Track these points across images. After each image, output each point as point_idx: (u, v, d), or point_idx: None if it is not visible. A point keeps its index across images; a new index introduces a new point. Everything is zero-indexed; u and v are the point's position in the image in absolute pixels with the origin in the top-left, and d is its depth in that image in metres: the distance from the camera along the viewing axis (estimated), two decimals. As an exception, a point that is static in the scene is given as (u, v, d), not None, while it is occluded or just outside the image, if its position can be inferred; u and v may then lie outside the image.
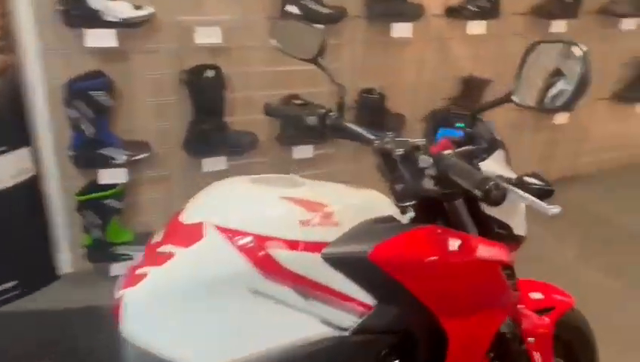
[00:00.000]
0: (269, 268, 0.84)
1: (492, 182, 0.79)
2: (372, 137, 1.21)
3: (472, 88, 2.92)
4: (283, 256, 0.85)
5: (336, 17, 2.47)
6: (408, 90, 2.85)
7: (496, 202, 0.78)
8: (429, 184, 1.07)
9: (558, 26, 2.98)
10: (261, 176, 1.03)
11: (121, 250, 2.31)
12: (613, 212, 3.25)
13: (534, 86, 0.89)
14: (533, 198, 0.88)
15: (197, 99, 2.27)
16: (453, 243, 1.00)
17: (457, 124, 1.25)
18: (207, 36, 2.23)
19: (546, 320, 1.33)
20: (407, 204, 1.12)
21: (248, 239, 0.85)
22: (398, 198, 1.12)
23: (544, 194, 1.02)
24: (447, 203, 1.09)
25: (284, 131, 2.57)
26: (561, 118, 3.34)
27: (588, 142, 3.62)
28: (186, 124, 2.34)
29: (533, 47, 0.93)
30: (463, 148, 1.04)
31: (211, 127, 2.30)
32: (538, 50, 0.93)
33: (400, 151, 1.08)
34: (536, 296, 1.38)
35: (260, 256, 0.84)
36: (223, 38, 2.25)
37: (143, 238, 2.47)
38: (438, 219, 1.16)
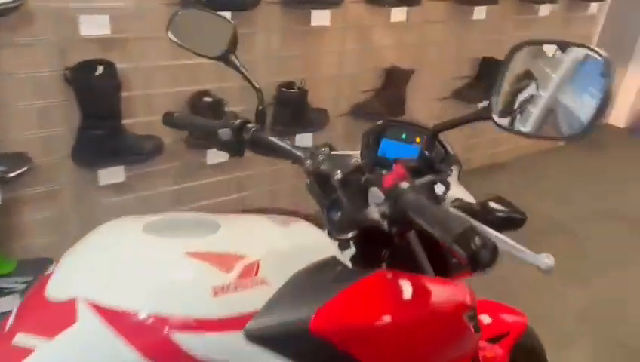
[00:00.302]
0: (171, 360, 0.60)
1: (476, 236, 0.58)
2: (302, 155, 0.99)
3: (395, 79, 2.77)
4: (190, 341, 0.61)
5: (248, 3, 2.19)
6: (329, 82, 2.64)
7: (486, 265, 0.58)
8: (374, 213, 0.87)
9: (480, 13, 2.89)
10: (158, 216, 0.77)
11: (1, 283, 1.93)
12: (536, 201, 3.26)
13: (522, 102, 0.69)
14: (525, 250, 0.69)
15: (86, 100, 1.92)
16: (407, 292, 0.81)
17: (402, 136, 1.06)
18: (95, 26, 1.89)
19: (499, 351, 1.19)
20: (347, 236, 0.92)
21: (139, 321, 0.60)
22: (336, 228, 0.91)
23: (515, 223, 0.85)
24: (397, 236, 0.89)
25: (194, 133, 2.27)
26: (482, 108, 3.28)
27: (507, 130, 3.61)
28: (74, 129, 1.98)
29: (518, 48, 0.71)
30: (426, 179, 0.83)
31: (105, 133, 1.96)
32: (525, 53, 0.71)
33: (339, 175, 0.87)
34: (487, 319, 1.24)
35: (157, 344, 0.60)
36: (113, 28, 1.91)
37: (28, 267, 2.04)
38: (385, 251, 0.96)
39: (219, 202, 2.50)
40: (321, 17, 2.38)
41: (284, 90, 2.42)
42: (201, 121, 1.17)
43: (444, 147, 0.99)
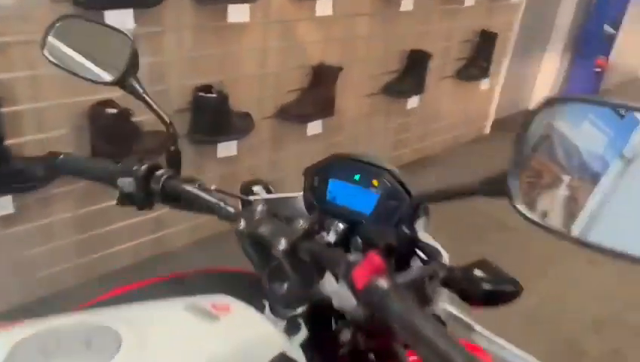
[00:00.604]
0: None
1: None
2: (231, 211, 0.78)
3: (323, 77, 2.57)
4: None
5: (152, -2, 1.90)
6: (252, 83, 2.39)
7: None
8: (331, 286, 0.69)
9: (407, 4, 2.75)
10: (30, 329, 0.53)
11: None
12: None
13: (557, 192, 0.48)
14: None
15: (-45, 121, 1.57)
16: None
17: (355, 177, 0.88)
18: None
19: None
20: (295, 312, 0.72)
21: None
22: (281, 302, 0.71)
23: (506, 296, 0.68)
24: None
25: (97, 147, 1.96)
26: (413, 102, 3.17)
27: (435, 122, 3.54)
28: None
29: (544, 106, 0.47)
30: (414, 275, 0.65)
31: (-16, 158, 1.62)
32: (557, 115, 0.47)
33: (283, 245, 0.68)
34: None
35: None
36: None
37: None
38: (344, 333, 0.78)
39: (133, 246, 2.23)
40: (239, 12, 2.13)
41: (202, 94, 2.15)
42: (96, 164, 0.91)
43: (407, 192, 0.81)
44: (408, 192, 0.81)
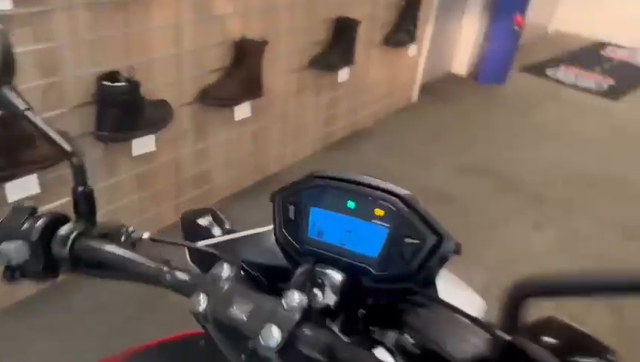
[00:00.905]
0: None
1: None
2: (182, 278, 0.59)
3: (246, 53, 2.28)
4: None
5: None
6: (166, 65, 2.06)
7: None
8: None
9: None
10: None
11: None
12: (404, 167, 3.08)
13: None
14: None
15: None
16: None
17: (349, 204, 0.65)
18: None
19: None
20: None
21: None
22: None
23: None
24: None
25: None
26: (343, 75, 2.96)
27: (366, 94, 3.36)
28: None
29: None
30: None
31: None
32: None
33: (275, 340, 0.46)
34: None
35: None
36: None
37: None
38: None
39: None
40: (143, -17, 1.79)
41: (107, 83, 1.80)
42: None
43: (431, 227, 0.60)
44: (432, 226, 0.60)
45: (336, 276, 0.64)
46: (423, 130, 3.57)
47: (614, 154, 3.44)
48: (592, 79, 4.68)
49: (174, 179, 2.32)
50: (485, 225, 2.63)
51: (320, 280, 0.63)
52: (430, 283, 0.61)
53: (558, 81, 4.62)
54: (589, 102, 4.29)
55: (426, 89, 4.01)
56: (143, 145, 2.04)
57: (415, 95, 3.91)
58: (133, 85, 1.86)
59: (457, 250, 0.60)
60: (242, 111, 2.43)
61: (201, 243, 0.74)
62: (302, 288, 0.59)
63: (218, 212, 0.85)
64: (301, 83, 2.76)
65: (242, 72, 2.30)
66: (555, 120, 3.88)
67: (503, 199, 2.88)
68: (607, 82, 4.64)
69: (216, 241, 0.74)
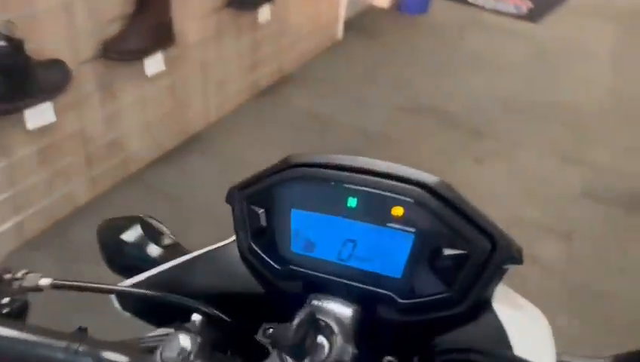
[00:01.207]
0: None
1: None
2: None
3: (151, -4, 1.95)
4: None
5: None
6: (54, 16, 1.70)
7: None
8: None
9: None
10: None
11: None
12: (340, 112, 2.89)
13: None
14: None
15: None
16: None
17: (349, 203, 0.46)
18: None
19: None
20: None
21: None
22: None
23: None
24: None
25: None
26: (264, 14, 2.66)
27: (290, 35, 3.08)
28: None
29: None
30: None
31: None
32: None
33: None
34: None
35: None
36: None
37: None
38: None
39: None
40: None
41: (-20, 44, 1.44)
42: None
43: (478, 227, 0.41)
44: (481, 226, 0.41)
45: (343, 310, 0.45)
46: (353, 70, 3.37)
47: (543, 78, 3.42)
48: (511, 2, 4.65)
49: (83, 150, 2.00)
50: (427, 163, 2.53)
51: (322, 322, 0.43)
52: (481, 309, 0.43)
53: (479, 6, 4.53)
54: (511, 26, 4.24)
55: (350, 25, 3.77)
56: (39, 115, 1.70)
57: (340, 32, 3.67)
58: (15, 44, 1.51)
59: (519, 257, 0.42)
60: (154, 64, 2.10)
61: (131, 281, 0.52)
62: (301, 347, 0.39)
63: (150, 218, 0.62)
64: (219, 26, 2.44)
65: (148, 18, 1.97)
66: (481, 48, 3.80)
67: (443, 136, 2.78)
68: (526, 5, 4.62)
69: (155, 272, 0.52)
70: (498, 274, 0.42)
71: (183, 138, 2.48)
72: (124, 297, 0.52)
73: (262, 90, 2.95)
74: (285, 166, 0.47)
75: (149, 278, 0.52)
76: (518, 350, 0.40)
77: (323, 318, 0.43)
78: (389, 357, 0.46)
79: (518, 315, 0.43)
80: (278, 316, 0.52)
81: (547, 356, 0.41)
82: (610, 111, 3.07)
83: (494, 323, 0.42)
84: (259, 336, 0.51)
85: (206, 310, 0.46)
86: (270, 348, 0.50)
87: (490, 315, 0.42)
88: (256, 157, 2.40)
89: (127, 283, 0.52)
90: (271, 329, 0.51)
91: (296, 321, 0.39)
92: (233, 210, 0.50)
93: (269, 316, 0.53)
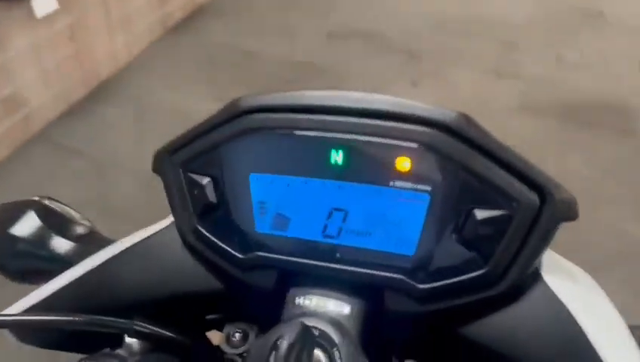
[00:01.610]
0: None
1: None
2: None
3: None
4: None
5: None
6: None
7: None
8: None
9: None
10: None
11: None
12: (266, 43, 2.68)
13: None
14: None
15: None
16: None
17: (329, 157, 0.35)
18: None
19: None
20: None
21: None
22: None
23: None
24: None
25: None
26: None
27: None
28: None
29: None
30: None
31: None
32: None
33: None
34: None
35: None
36: None
37: None
38: None
39: None
40: None
41: None
42: None
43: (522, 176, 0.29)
44: (523, 173, 0.29)
45: (340, 309, 0.32)
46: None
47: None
48: None
49: (-28, 112, 1.71)
50: (362, 91, 2.40)
51: (316, 331, 0.31)
52: (526, 285, 0.32)
53: None
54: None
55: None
56: None
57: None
58: None
59: (574, 211, 0.31)
60: (43, 3, 1.79)
61: (27, 302, 0.36)
62: None
63: (51, 201, 0.45)
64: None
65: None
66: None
67: (377, 60, 2.65)
68: None
69: (64, 282, 0.37)
70: (549, 237, 0.30)
71: (91, 86, 2.20)
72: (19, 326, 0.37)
73: (175, 25, 2.67)
74: (234, 114, 0.32)
75: (55, 293, 0.37)
76: (595, 339, 0.29)
77: (316, 325, 0.30)
78: (409, 361, 0.35)
79: (575, 288, 0.32)
80: (245, 315, 0.39)
81: (623, 337, 0.31)
82: (540, 23, 3.05)
83: (553, 304, 0.31)
84: (223, 346, 0.38)
85: (141, 329, 0.32)
86: (240, 362, 0.37)
87: (544, 291, 0.31)
88: (177, 102, 2.17)
89: (19, 307, 0.37)
90: (237, 334, 0.38)
91: (284, 344, 0.27)
92: (165, 181, 0.35)
93: (232, 314, 0.40)
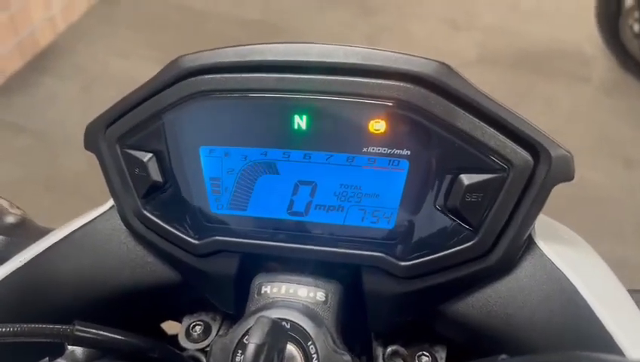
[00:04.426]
0: None
1: None
2: None
3: None
4: None
5: None
6: None
7: None
8: None
9: None
10: None
11: None
12: (208, 2, 2.55)
13: None
14: None
15: None
16: None
17: (295, 116, 0.27)
18: None
19: None
20: None
21: None
22: None
23: None
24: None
25: None
26: None
27: None
28: None
29: None
30: None
31: None
32: None
33: None
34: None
35: None
36: None
37: None
38: None
39: None
40: None
41: None
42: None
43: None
44: (512, 130, 0.25)
45: (313, 295, 0.29)
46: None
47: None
48: None
49: None
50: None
51: (286, 323, 0.27)
52: (518, 255, 0.29)
53: None
54: None
55: None
56: None
57: None
58: None
59: (570, 170, 0.27)
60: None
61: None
62: None
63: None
64: None
65: None
66: None
67: (330, 15, 2.57)
68: None
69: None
70: (543, 200, 0.27)
71: (29, 56, 2.04)
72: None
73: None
74: (175, 76, 0.27)
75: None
76: (596, 306, 0.26)
77: (287, 317, 0.27)
78: (393, 347, 0.31)
79: (572, 254, 0.29)
80: (205, 304, 0.35)
81: (623, 302, 0.28)
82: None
83: (550, 272, 0.28)
84: (182, 341, 0.34)
85: (83, 334, 0.28)
86: (203, 360, 0.33)
87: (539, 259, 0.28)
88: (123, 67, 2.06)
89: None
90: (198, 327, 0.34)
91: (251, 346, 0.23)
92: (100, 160, 0.30)
93: (190, 305, 0.36)
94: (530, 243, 0.29)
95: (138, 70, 2.02)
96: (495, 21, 2.58)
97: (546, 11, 2.63)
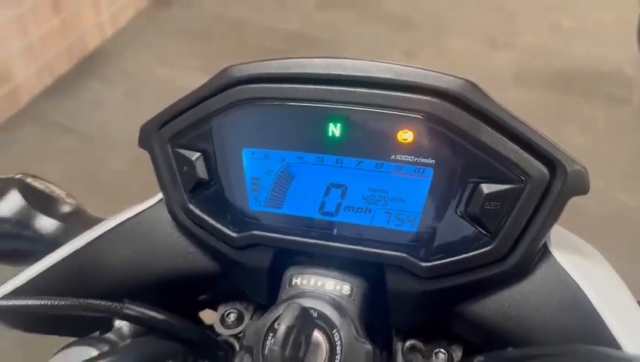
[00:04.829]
0: None
1: None
2: None
3: None
4: None
5: None
6: None
7: None
8: None
9: None
10: None
11: None
12: (254, 13, 2.62)
13: None
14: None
15: None
16: None
17: (330, 125, 0.31)
18: None
19: None
20: None
21: None
22: None
23: None
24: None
25: None
26: None
27: None
28: None
29: None
30: None
31: None
32: None
33: None
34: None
35: None
36: None
37: None
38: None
39: None
40: None
41: None
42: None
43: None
44: (532, 146, 0.28)
45: (340, 288, 0.31)
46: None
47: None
48: None
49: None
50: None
51: (314, 311, 0.29)
52: (533, 262, 0.31)
53: None
54: None
55: None
56: None
57: None
58: None
59: (585, 185, 0.29)
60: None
61: (13, 284, 0.35)
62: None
63: (34, 179, 0.44)
64: None
65: None
66: None
67: (368, 30, 2.60)
68: None
69: (49, 263, 0.35)
70: (559, 211, 0.29)
71: (77, 58, 2.14)
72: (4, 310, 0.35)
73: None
74: (223, 84, 0.30)
75: (41, 274, 0.35)
76: (606, 315, 0.28)
77: (314, 306, 0.29)
78: (412, 341, 0.33)
79: (584, 263, 0.31)
80: (240, 295, 0.38)
81: (633, 313, 0.30)
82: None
83: (562, 279, 0.30)
84: (217, 327, 0.37)
85: (131, 312, 0.31)
86: (237, 345, 0.36)
87: (553, 267, 0.30)
88: (168, 74, 2.13)
89: (3, 290, 0.35)
90: (232, 315, 0.37)
91: (282, 327, 0.25)
92: (153, 157, 0.34)
93: (226, 294, 0.38)
94: (545, 252, 0.30)
95: (181, 77, 2.09)
96: (535, 39, 2.57)
97: (588, 31, 2.60)
